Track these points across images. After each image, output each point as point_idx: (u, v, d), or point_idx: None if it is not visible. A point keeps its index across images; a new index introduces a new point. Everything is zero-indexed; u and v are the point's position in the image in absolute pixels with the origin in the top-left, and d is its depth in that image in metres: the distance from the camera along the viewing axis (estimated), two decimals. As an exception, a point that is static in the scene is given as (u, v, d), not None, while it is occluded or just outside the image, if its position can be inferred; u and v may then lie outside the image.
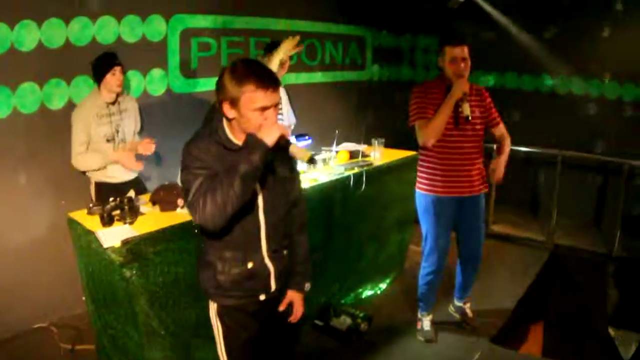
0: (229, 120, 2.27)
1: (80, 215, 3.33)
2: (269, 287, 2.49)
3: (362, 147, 4.74)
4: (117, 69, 3.83)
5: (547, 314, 5.90)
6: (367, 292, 4.91)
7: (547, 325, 5.77)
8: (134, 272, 2.97)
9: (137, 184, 4.12)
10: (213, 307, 2.50)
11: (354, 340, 4.17)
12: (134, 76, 4.60)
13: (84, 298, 3.73)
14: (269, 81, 2.18)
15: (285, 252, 2.55)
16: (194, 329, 3.30)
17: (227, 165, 2.19)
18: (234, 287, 2.41)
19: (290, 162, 2.54)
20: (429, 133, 3.69)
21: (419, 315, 4.34)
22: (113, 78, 3.83)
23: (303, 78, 6.11)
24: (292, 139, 4.11)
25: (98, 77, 3.86)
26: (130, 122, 4.09)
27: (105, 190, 3.91)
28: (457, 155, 3.83)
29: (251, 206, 2.32)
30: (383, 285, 5.08)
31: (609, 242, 6.21)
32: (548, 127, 6.90)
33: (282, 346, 2.79)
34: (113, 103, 3.94)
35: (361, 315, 4.30)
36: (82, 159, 3.89)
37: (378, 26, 7.30)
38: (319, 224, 4.08)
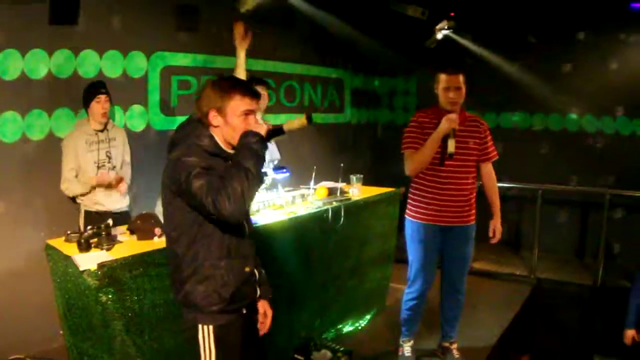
0: (214, 128, 2.37)
1: (58, 243, 3.33)
2: (255, 292, 2.57)
3: (341, 185, 4.76)
4: (102, 97, 3.98)
5: (533, 348, 5.91)
6: (348, 328, 4.89)
7: (532, 358, 5.78)
8: (110, 296, 2.94)
9: (126, 215, 4.17)
10: (207, 331, 2.44)
11: (334, 374, 4.13)
12: (116, 111, 4.66)
13: (61, 332, 3.68)
14: (251, 90, 2.39)
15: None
16: (172, 358, 3.25)
17: (229, 168, 2.28)
18: (235, 297, 2.42)
19: None
20: (412, 165, 3.78)
21: (400, 342, 4.33)
22: (97, 106, 3.96)
23: (282, 119, 6.16)
24: (270, 172, 4.17)
25: (85, 104, 3.99)
26: (120, 152, 4.20)
27: (94, 220, 3.90)
28: (448, 186, 3.86)
29: None
30: (364, 321, 5.07)
31: (593, 273, 6.29)
32: (527, 163, 7.10)
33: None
34: (102, 131, 4.05)
35: (342, 349, 4.26)
36: (69, 186, 4.03)
37: (355, 69, 7.47)
38: (298, 258, 4.11)
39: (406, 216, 4.10)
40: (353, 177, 4.69)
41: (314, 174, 4.46)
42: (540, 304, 6.18)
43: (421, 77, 7.64)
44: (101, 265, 2.91)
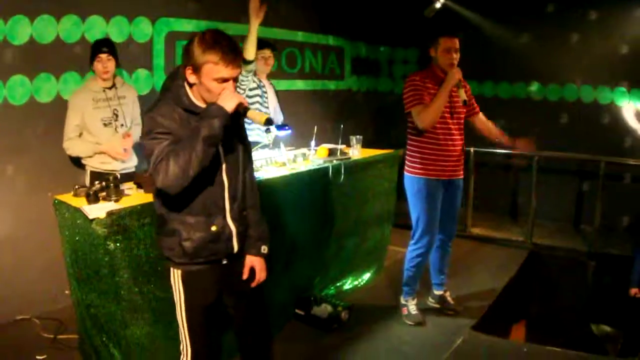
0: (190, 85, 2.40)
1: (66, 197, 3.43)
2: (232, 248, 2.62)
3: (341, 147, 4.87)
4: (103, 56, 3.96)
5: (529, 313, 6.00)
6: (348, 285, 5.02)
7: (529, 324, 5.87)
8: (118, 244, 3.05)
9: (133, 176, 4.14)
10: (176, 274, 2.60)
11: (334, 328, 4.27)
12: (121, 75, 4.70)
13: (66, 292, 3.84)
14: (232, 55, 2.29)
15: (244, 213, 2.68)
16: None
17: (191, 130, 2.31)
18: (199, 252, 2.52)
19: (245, 133, 2.71)
20: (428, 117, 3.95)
21: (404, 302, 4.49)
22: (99, 65, 3.97)
23: (283, 85, 6.27)
24: (273, 129, 4.29)
25: (90, 63, 4.01)
26: (129, 110, 4.20)
27: (100, 179, 4.00)
28: (448, 141, 4.09)
29: (215, 169, 2.46)
30: (364, 279, 5.20)
31: (588, 241, 6.39)
32: (527, 133, 7.11)
33: (251, 314, 2.89)
34: (110, 88, 4.07)
35: (342, 304, 4.40)
36: (72, 145, 4.02)
37: (356, 38, 7.54)
38: (298, 214, 4.21)
39: (408, 174, 4.25)
40: (353, 138, 4.80)
41: (314, 134, 4.56)
42: (536, 269, 6.26)
43: (420, 46, 7.71)
44: (110, 213, 3.00)
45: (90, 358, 3.54)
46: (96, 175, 3.98)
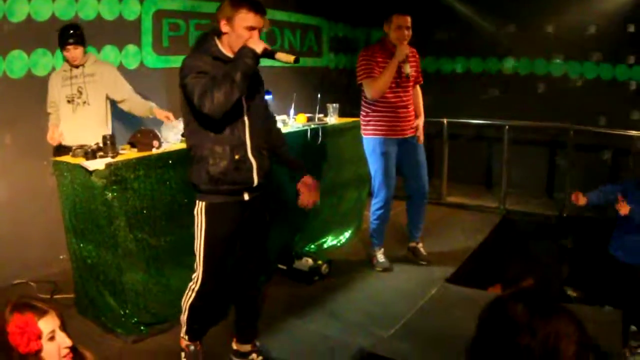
0: (220, 37, 2.87)
1: (65, 158, 3.72)
2: (252, 180, 3.01)
3: (319, 115, 5.19)
4: (70, 47, 4.18)
5: (503, 278, 6.10)
6: (328, 244, 5.36)
7: (504, 288, 5.90)
8: (115, 194, 3.37)
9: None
10: (201, 205, 3.00)
11: (315, 280, 4.57)
12: (112, 51, 5.04)
13: (61, 257, 4.17)
14: (259, 7, 2.82)
15: (265, 152, 3.09)
16: (170, 255, 3.70)
17: (226, 68, 2.77)
18: (223, 178, 2.92)
19: (262, 87, 3.17)
20: (377, 88, 4.41)
21: (373, 252, 4.89)
22: (67, 54, 4.22)
23: (263, 61, 6.51)
24: None
25: (60, 47, 4.26)
26: (98, 86, 4.34)
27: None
28: (398, 105, 4.55)
29: (238, 109, 2.88)
30: (342, 238, 5.53)
31: (560, 206, 6.66)
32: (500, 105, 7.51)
33: (254, 251, 3.27)
34: (77, 67, 4.28)
35: (322, 258, 4.72)
36: (49, 119, 4.38)
37: (334, 18, 7.85)
38: (277, 175, 4.49)
39: (365, 136, 4.70)
40: (330, 106, 5.15)
41: (293, 102, 4.90)
42: (509, 233, 6.51)
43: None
44: (109, 165, 3.33)
45: (87, 310, 3.85)
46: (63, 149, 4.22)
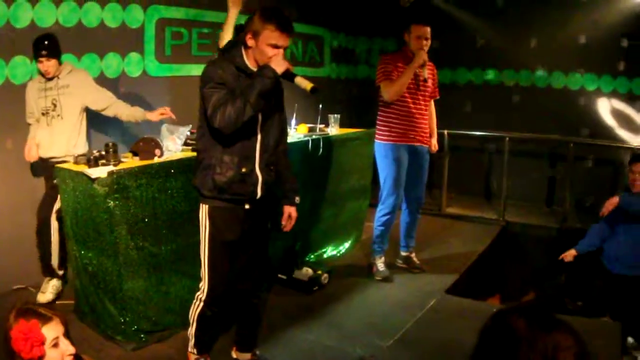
0: (247, 49, 2.86)
1: (67, 165, 3.74)
2: (255, 193, 3.02)
3: (320, 125, 5.21)
4: (43, 59, 4.05)
5: (503, 289, 6.25)
6: (327, 254, 5.37)
7: (503, 299, 6.09)
8: (117, 202, 3.38)
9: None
10: (205, 209, 3.02)
11: (315, 290, 4.58)
12: (114, 58, 5.04)
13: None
14: (287, 27, 2.78)
15: (272, 168, 3.10)
16: (171, 264, 3.71)
17: (244, 84, 2.79)
18: (227, 188, 2.93)
19: (282, 101, 3.15)
20: (394, 90, 4.51)
21: (373, 260, 4.91)
22: (41, 66, 4.10)
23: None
24: None
25: (34, 58, 4.17)
26: (73, 98, 4.21)
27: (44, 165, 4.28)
28: (414, 112, 4.61)
29: (252, 123, 2.89)
30: (342, 249, 5.54)
31: (560, 218, 6.67)
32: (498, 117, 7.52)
33: (256, 260, 3.27)
34: (51, 79, 4.16)
35: (322, 268, 4.74)
36: (29, 130, 4.31)
37: (336, 28, 7.86)
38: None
39: (378, 141, 4.74)
40: (331, 117, 5.15)
41: (295, 112, 4.91)
42: (508, 245, 6.54)
43: (397, 36, 8.03)
44: (111, 173, 3.34)
45: (86, 317, 3.85)
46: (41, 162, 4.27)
